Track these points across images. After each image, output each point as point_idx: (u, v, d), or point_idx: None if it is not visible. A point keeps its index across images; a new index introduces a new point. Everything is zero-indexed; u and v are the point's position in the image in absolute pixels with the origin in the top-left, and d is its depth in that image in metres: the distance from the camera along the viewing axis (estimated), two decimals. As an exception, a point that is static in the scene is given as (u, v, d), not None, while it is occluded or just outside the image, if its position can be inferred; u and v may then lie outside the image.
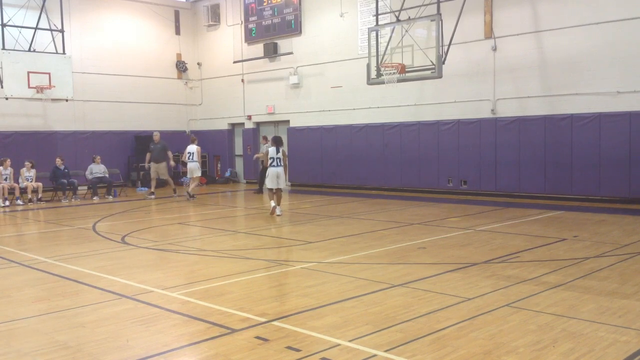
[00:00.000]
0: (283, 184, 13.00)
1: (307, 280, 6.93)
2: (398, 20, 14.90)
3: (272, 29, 21.07)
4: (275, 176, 12.74)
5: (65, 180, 17.25)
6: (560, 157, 14.71)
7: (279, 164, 12.75)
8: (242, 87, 22.53)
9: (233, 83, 22.82)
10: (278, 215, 12.90)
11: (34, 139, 19.65)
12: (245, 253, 8.96)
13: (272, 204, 13.10)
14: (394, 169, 18.00)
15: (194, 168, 17.04)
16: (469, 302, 5.87)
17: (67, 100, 17.92)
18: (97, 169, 18.17)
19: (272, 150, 12.82)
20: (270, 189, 13.14)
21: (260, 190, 18.54)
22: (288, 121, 21.07)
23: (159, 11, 23.11)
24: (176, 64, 23.65)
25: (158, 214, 14.39)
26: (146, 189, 20.63)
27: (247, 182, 22.63)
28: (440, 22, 13.67)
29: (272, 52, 21.04)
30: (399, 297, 6.12)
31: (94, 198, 17.44)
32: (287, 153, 12.66)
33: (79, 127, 20.89)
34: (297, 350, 4.59)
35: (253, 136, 22.34)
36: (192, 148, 17.10)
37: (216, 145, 23.49)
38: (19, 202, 16.34)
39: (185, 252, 8.96)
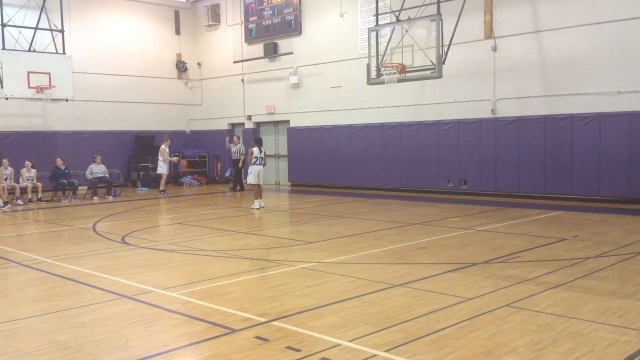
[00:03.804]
0: (262, 180, 14.61)
1: (307, 280, 6.93)
2: (398, 20, 14.89)
3: (272, 29, 21.07)
4: (258, 173, 14.29)
5: (65, 180, 17.25)
6: (560, 157, 14.71)
7: (261, 162, 14.36)
8: (242, 87, 22.53)
9: (233, 83, 22.82)
10: (262, 207, 14.35)
11: (34, 139, 19.65)
12: (245, 253, 8.96)
13: (256, 202, 14.52)
14: (394, 169, 18.00)
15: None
16: (469, 302, 5.87)
17: (67, 100, 17.93)
18: (97, 169, 18.17)
19: (256, 150, 14.29)
20: (253, 185, 14.52)
21: (235, 189, 19.43)
22: (288, 121, 21.08)
23: (159, 11, 23.11)
24: (176, 64, 23.65)
25: (158, 214, 14.40)
26: (146, 189, 20.65)
27: (247, 182, 22.60)
28: (440, 22, 13.67)
29: (272, 52, 21.04)
30: (399, 297, 6.12)
31: (94, 198, 17.45)
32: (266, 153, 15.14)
33: (79, 127, 20.88)
34: (297, 350, 4.60)
35: (253, 136, 22.30)
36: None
37: (216, 146, 23.48)
38: (19, 202, 16.34)
39: (185, 252, 8.96)
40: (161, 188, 18.29)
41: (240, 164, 19.40)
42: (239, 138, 20.04)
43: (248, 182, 14.76)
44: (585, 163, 14.31)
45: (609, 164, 13.96)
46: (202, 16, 23.66)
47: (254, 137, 19.05)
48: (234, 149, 19.59)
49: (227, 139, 20.62)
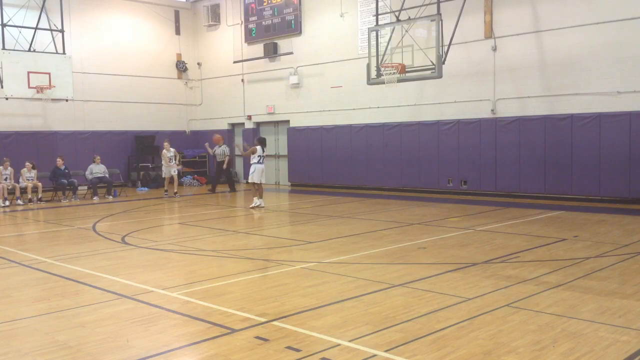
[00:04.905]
0: (264, 179, 14.89)
1: (307, 280, 6.93)
2: (398, 20, 14.89)
3: (272, 29, 21.07)
4: (262, 172, 14.51)
5: (65, 180, 17.25)
6: (560, 157, 14.71)
7: (263, 161, 14.65)
8: (242, 87, 22.53)
9: (233, 83, 22.82)
10: (262, 207, 14.44)
11: (34, 139, 19.64)
12: (245, 253, 8.96)
13: (255, 200, 14.61)
14: (394, 169, 18.00)
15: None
16: (469, 302, 5.87)
17: (67, 100, 17.92)
18: (97, 169, 18.17)
19: (259, 149, 14.51)
20: (254, 183, 14.59)
21: (214, 190, 19.17)
22: (288, 121, 21.08)
23: (159, 11, 23.11)
24: (176, 64, 23.64)
25: (158, 214, 14.39)
26: (146, 189, 20.64)
27: (247, 182, 22.60)
28: (440, 22, 13.66)
29: (272, 52, 21.04)
30: (399, 297, 6.12)
31: (94, 198, 17.45)
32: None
33: (79, 127, 20.88)
34: (297, 350, 4.60)
35: (253, 136, 22.31)
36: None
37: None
38: (19, 202, 16.34)
39: (185, 252, 8.96)
40: (165, 189, 18.11)
41: (225, 165, 19.19)
42: (222, 139, 19.81)
43: (250, 181, 14.67)
44: (585, 163, 14.31)
45: (609, 164, 13.96)
46: (202, 16, 23.66)
47: (255, 137, 19.11)
48: (218, 151, 19.32)
49: (207, 144, 19.75)
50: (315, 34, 19.91)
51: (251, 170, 14.54)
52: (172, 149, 18.10)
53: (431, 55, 14.00)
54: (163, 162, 17.98)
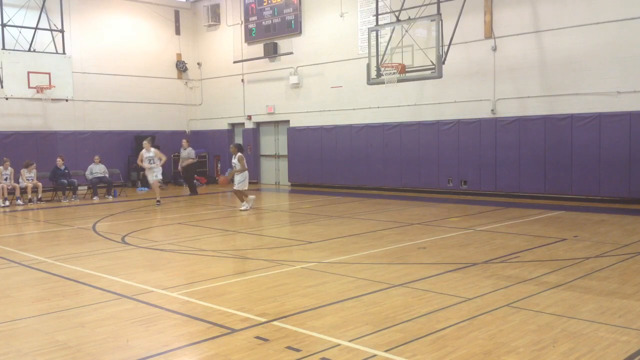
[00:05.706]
0: None
1: (307, 280, 6.93)
2: (398, 20, 14.89)
3: (272, 29, 21.07)
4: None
5: (65, 180, 17.26)
6: (560, 157, 14.71)
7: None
8: (242, 87, 22.53)
9: (233, 83, 22.82)
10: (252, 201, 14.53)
11: (34, 139, 19.65)
12: (245, 253, 8.96)
13: (244, 203, 14.34)
14: (394, 169, 18.00)
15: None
16: (469, 302, 5.87)
17: (67, 100, 17.93)
18: (97, 169, 18.18)
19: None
20: (245, 189, 14.44)
21: (196, 192, 18.56)
22: (288, 121, 21.07)
23: (159, 11, 23.11)
24: (176, 64, 23.64)
25: (158, 214, 14.39)
26: (146, 189, 20.64)
27: (242, 188, 22.56)
28: (440, 22, 13.67)
29: (272, 52, 21.04)
30: (399, 297, 6.12)
31: (94, 198, 17.45)
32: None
33: (79, 127, 20.89)
34: (297, 350, 4.60)
35: (253, 136, 22.34)
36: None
37: (216, 146, 23.51)
38: (19, 202, 16.34)
39: (185, 252, 8.96)
40: (157, 198, 15.81)
41: (184, 165, 18.67)
42: (188, 142, 19.24)
43: (243, 189, 14.17)
44: (585, 163, 14.31)
45: (609, 164, 13.96)
46: (202, 16, 23.66)
47: (231, 142, 18.75)
48: (183, 154, 18.83)
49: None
50: (315, 34, 19.91)
51: (241, 178, 14.00)
52: (152, 149, 15.81)
53: (431, 55, 14.00)
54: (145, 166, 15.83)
